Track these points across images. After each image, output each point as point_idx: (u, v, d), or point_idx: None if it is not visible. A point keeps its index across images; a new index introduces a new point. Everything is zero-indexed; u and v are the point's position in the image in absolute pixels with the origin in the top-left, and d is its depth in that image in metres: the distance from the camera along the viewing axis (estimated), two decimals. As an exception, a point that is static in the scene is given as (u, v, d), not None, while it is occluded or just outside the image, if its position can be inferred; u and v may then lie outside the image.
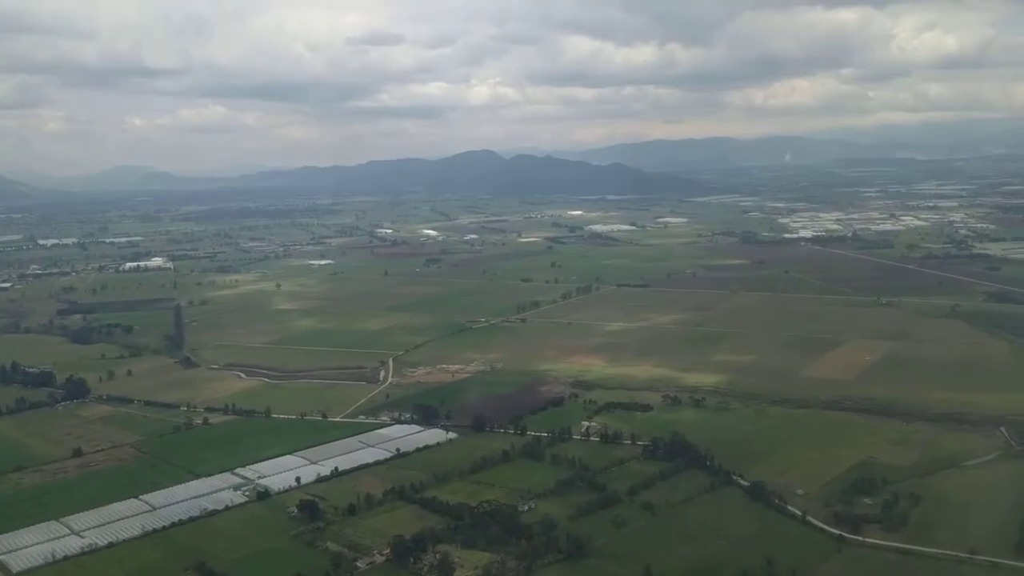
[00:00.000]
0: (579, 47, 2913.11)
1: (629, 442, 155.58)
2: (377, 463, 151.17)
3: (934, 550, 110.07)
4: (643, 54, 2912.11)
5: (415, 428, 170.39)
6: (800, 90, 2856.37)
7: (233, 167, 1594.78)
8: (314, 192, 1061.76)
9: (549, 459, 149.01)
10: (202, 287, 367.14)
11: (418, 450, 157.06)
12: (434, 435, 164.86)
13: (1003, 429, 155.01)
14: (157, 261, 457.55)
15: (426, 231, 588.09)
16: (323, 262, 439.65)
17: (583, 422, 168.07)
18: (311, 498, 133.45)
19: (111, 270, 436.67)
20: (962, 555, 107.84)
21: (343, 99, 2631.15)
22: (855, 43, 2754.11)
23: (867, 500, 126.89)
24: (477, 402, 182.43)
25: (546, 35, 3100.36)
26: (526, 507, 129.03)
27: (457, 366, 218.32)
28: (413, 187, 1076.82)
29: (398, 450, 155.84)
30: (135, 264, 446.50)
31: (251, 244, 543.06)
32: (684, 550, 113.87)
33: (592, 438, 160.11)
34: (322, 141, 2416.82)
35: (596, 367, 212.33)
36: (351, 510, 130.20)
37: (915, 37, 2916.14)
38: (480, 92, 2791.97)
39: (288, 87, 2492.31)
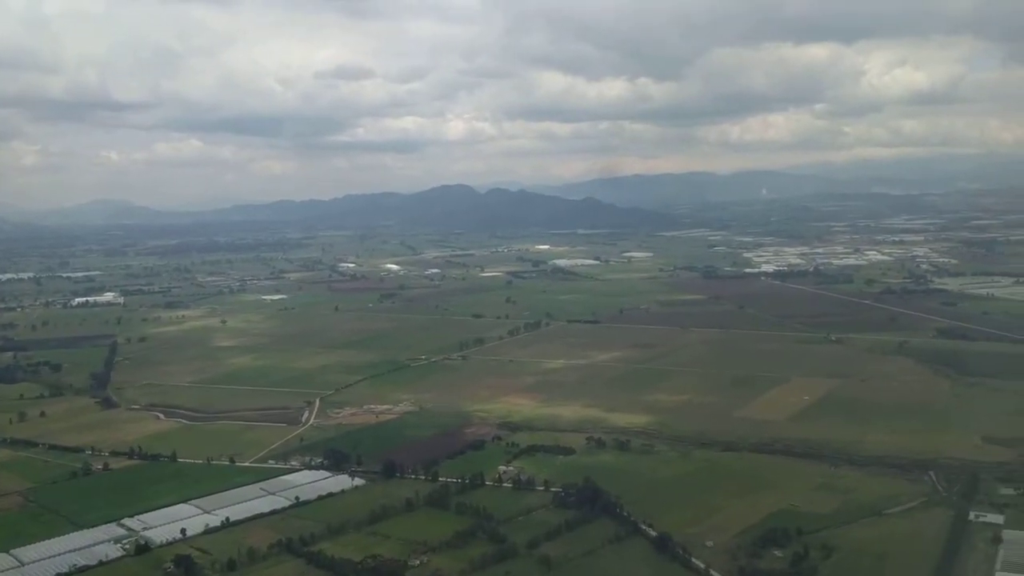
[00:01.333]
0: (551, 82, 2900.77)
1: (542, 488, 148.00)
2: (273, 512, 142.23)
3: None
4: (615, 89, 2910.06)
5: (323, 474, 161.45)
6: (775, 125, 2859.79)
7: (210, 201, 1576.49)
8: (288, 226, 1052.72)
9: (454, 508, 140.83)
10: (146, 323, 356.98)
11: (320, 498, 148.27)
12: (340, 482, 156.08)
13: (931, 474, 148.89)
14: (108, 296, 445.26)
15: (388, 265, 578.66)
16: (276, 297, 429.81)
17: (500, 467, 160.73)
18: (189, 552, 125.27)
19: (59, 305, 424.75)
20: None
21: (318, 133, 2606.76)
22: (827, 79, 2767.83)
23: (777, 552, 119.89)
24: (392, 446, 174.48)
25: (516, 70, 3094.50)
26: (417, 562, 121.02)
27: (385, 406, 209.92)
28: (388, 221, 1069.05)
29: (297, 498, 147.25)
30: (84, 299, 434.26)
31: (208, 279, 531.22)
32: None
33: (505, 484, 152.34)
34: (299, 175, 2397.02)
35: (526, 407, 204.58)
36: (231, 565, 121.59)
37: (886, 73, 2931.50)
38: (456, 127, 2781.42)
39: (262, 121, 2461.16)
